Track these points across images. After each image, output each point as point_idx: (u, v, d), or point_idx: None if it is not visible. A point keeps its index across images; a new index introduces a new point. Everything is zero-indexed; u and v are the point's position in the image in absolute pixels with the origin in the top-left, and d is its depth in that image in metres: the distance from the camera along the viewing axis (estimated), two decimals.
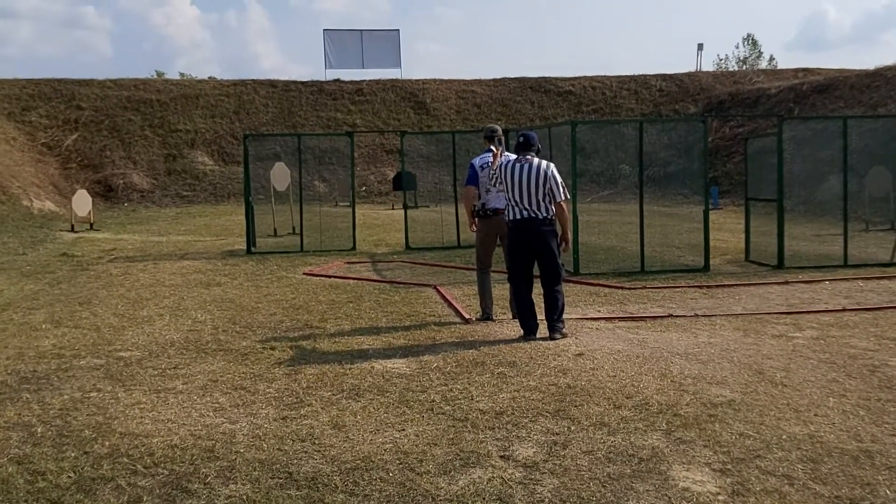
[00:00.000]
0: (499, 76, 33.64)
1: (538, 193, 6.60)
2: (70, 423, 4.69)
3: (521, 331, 6.80)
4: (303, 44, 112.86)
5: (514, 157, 6.85)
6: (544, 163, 6.72)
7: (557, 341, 6.50)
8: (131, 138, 28.18)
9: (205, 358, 6.18)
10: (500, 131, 7.68)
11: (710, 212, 11.12)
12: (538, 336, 6.66)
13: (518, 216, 6.71)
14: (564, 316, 6.82)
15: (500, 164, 6.84)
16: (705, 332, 6.80)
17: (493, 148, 7.42)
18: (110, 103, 29.27)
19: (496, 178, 6.88)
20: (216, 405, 4.96)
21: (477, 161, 7.48)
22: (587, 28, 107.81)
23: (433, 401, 4.94)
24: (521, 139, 6.87)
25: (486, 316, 7.56)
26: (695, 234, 11.32)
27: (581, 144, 12.24)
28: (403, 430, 4.43)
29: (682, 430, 4.34)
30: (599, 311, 7.87)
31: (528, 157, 6.74)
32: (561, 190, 6.66)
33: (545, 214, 6.64)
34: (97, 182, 25.85)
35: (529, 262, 6.84)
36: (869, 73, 24.46)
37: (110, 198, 25.40)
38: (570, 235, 6.81)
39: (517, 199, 6.67)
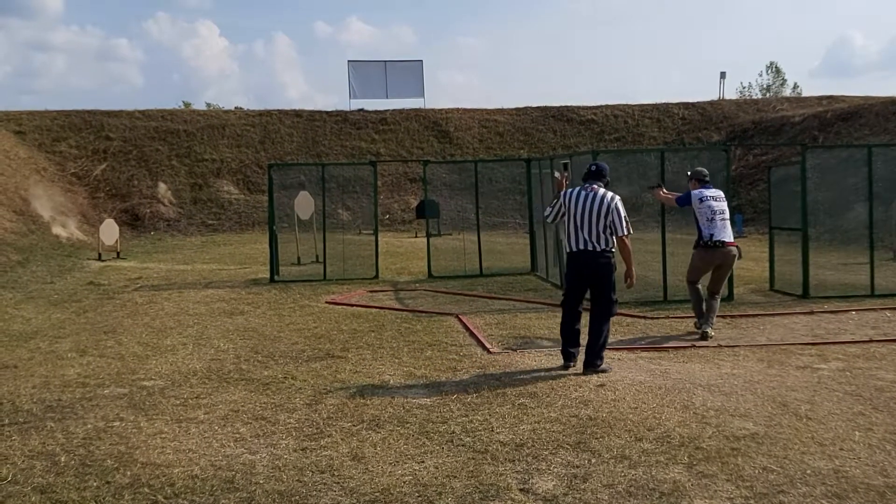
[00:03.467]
0: (521, 105, 33.82)
1: (598, 225, 6.51)
2: (93, 452, 4.73)
3: (561, 359, 6.72)
4: (328, 74, 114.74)
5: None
6: (609, 194, 6.61)
7: (578, 373, 6.45)
8: (158, 168, 28.64)
9: (226, 387, 6.22)
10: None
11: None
12: (572, 369, 6.57)
13: (575, 247, 6.63)
14: (583, 346, 6.75)
15: (564, 193, 6.81)
16: (728, 363, 6.73)
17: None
18: (138, 133, 29.80)
19: (558, 206, 6.82)
20: (237, 435, 4.99)
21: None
22: (609, 57, 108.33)
23: (453, 432, 4.93)
24: (593, 168, 6.81)
25: (702, 335, 7.84)
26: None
27: None
28: (423, 462, 4.42)
29: (704, 463, 4.29)
30: (621, 341, 7.81)
31: (594, 186, 6.67)
32: (623, 224, 6.52)
33: (603, 247, 6.52)
34: (124, 211, 26.24)
35: (581, 292, 6.76)
36: (895, 101, 24.25)
37: (137, 227, 25.76)
38: (633, 270, 6.66)
39: (577, 228, 6.59)
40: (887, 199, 13.49)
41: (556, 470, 4.25)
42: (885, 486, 3.93)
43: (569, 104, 33.63)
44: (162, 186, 27.26)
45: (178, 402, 5.84)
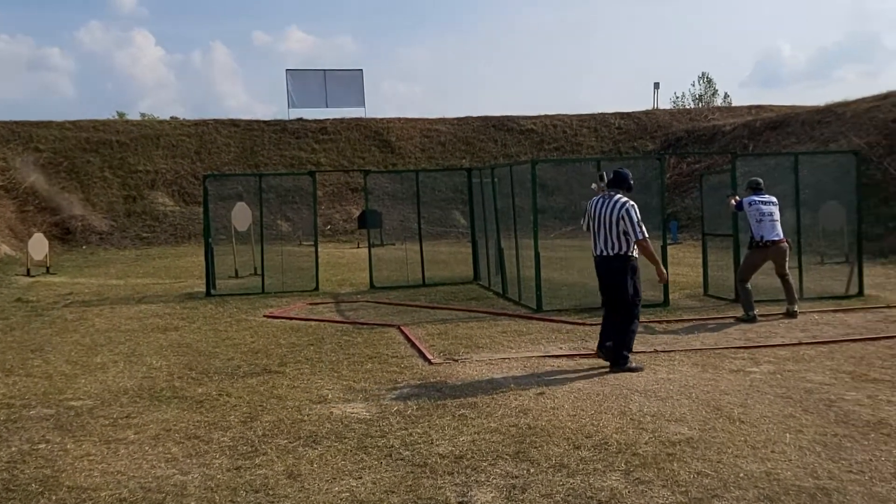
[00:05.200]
0: (463, 115, 34.03)
1: (612, 232, 6.80)
2: (17, 476, 4.53)
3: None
4: (268, 84, 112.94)
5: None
6: (622, 200, 6.84)
7: (519, 381, 6.47)
8: (90, 180, 27.83)
9: (158, 406, 6.04)
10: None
11: (670, 246, 11.26)
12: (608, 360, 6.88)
13: (596, 252, 7.00)
14: (524, 354, 6.81)
15: (590, 202, 7.13)
16: (664, 368, 6.83)
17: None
18: (69, 145, 28.94)
19: (586, 214, 7.15)
20: (168, 455, 4.84)
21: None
22: (549, 68, 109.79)
23: (392, 446, 4.87)
24: (612, 176, 7.09)
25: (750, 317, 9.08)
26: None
27: (543, 181, 12.35)
28: (361, 477, 4.35)
29: (640, 469, 4.33)
30: (561, 349, 7.87)
31: (612, 193, 6.95)
32: (636, 229, 6.74)
33: (615, 252, 6.80)
34: (55, 224, 25.41)
35: (607, 295, 7.04)
36: (820, 110, 25.15)
37: (68, 241, 24.96)
38: (662, 269, 7.06)
39: (596, 235, 6.94)
40: (814, 206, 13.95)
41: (495, 481, 4.23)
42: (816, 488, 4.03)
43: (509, 114, 33.99)
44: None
45: (107, 422, 5.64)
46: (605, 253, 6.87)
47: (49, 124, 29.84)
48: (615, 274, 6.85)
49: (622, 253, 6.81)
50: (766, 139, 25.58)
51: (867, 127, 21.10)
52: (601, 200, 6.97)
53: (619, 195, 6.92)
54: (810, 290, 10.99)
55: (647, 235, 6.81)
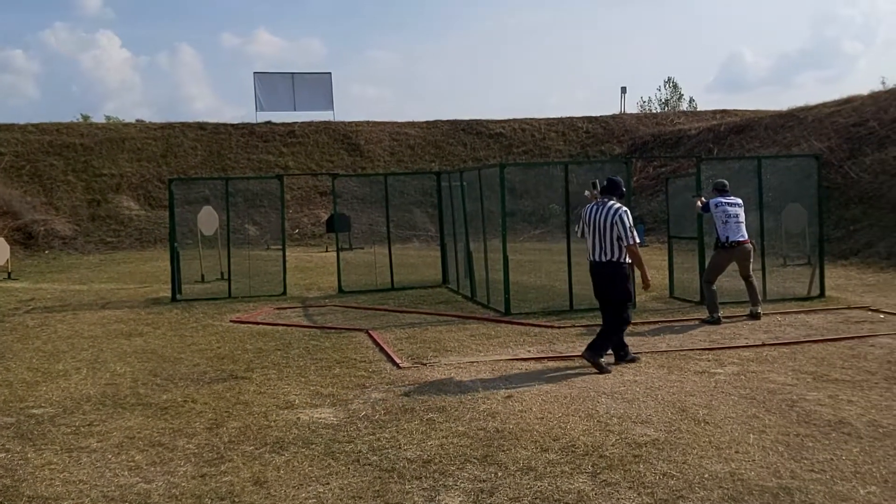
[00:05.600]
0: (432, 118, 34.03)
1: (606, 237, 6.99)
2: None
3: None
4: (236, 87, 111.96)
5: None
6: (616, 206, 7.02)
7: (487, 385, 6.49)
8: (53, 184, 27.35)
9: (122, 413, 5.94)
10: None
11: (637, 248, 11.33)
12: (629, 359, 7.17)
13: (589, 258, 7.23)
14: (492, 357, 6.82)
15: (585, 208, 7.33)
16: (631, 370, 6.89)
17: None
18: (31, 148, 28.42)
19: (581, 221, 7.35)
20: (132, 464, 4.76)
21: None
22: (517, 72, 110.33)
23: (360, 451, 4.85)
24: (605, 183, 7.27)
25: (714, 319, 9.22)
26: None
27: (512, 185, 12.39)
28: (328, 483, 4.32)
29: (607, 471, 4.36)
30: (529, 352, 7.90)
31: (605, 200, 7.13)
32: (628, 234, 6.92)
33: (608, 258, 6.99)
34: (16, 229, 24.90)
35: (601, 299, 7.23)
36: (783, 114, 25.59)
37: (31, 245, 24.49)
38: (647, 274, 7.15)
39: (591, 241, 7.13)
40: (777, 209, 14.18)
41: (462, 485, 4.23)
42: (779, 487, 4.09)
43: (478, 118, 34.07)
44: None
45: (69, 430, 5.54)
46: (599, 258, 7.07)
47: (11, 127, 29.28)
48: (608, 278, 7.04)
49: (615, 259, 6.99)
50: (730, 143, 25.96)
51: (828, 131, 21.52)
52: (596, 207, 7.15)
53: (612, 201, 7.09)
54: (773, 291, 11.16)
55: (637, 241, 7.03)
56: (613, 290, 7.04)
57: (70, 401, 6.38)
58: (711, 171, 13.21)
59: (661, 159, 27.55)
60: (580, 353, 7.18)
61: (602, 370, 6.81)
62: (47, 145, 28.71)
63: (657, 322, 9.54)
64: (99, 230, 26.24)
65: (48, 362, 8.06)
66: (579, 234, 7.54)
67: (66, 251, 24.56)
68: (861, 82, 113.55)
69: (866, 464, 4.39)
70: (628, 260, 7.03)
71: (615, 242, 6.96)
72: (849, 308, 10.11)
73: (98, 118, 41.82)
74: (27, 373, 7.54)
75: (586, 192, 7.88)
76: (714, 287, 9.49)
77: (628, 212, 7.02)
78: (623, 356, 7.21)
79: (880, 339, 7.97)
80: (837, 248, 16.07)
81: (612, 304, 7.09)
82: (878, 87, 26.13)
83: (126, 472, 4.61)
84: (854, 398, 5.75)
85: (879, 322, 8.99)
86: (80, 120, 38.16)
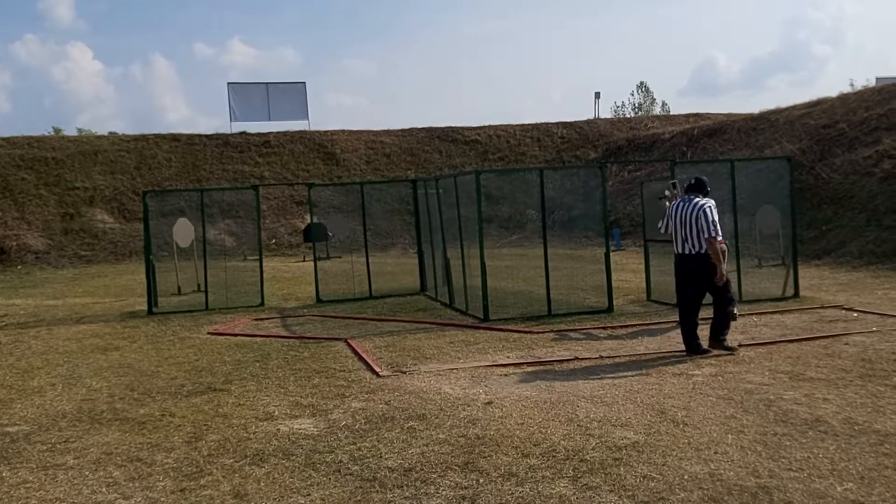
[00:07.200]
0: (407, 126, 34.07)
1: (692, 230, 7.44)
2: None
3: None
4: (210, 97, 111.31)
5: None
6: (702, 201, 7.50)
7: (467, 391, 6.49)
8: (25, 198, 27.00)
9: (99, 429, 5.87)
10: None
11: (613, 253, 11.45)
12: (698, 355, 7.43)
13: (678, 251, 7.64)
14: (472, 364, 6.83)
15: (670, 205, 7.87)
16: (610, 374, 6.93)
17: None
18: (2, 162, 28.05)
19: (666, 217, 7.89)
20: (110, 480, 4.70)
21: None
22: (492, 79, 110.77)
23: (341, 461, 4.83)
24: (693, 181, 7.77)
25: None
26: (599, 276, 11.59)
27: (489, 191, 12.44)
28: (309, 494, 4.30)
29: (588, 475, 4.37)
30: (508, 357, 7.91)
31: (691, 197, 7.61)
32: (708, 226, 7.35)
33: (696, 250, 7.46)
34: None
35: (689, 291, 7.62)
36: (755, 117, 25.92)
37: (3, 261, 24.14)
38: (721, 268, 7.39)
39: (679, 235, 7.57)
40: (751, 211, 14.35)
41: (444, 493, 4.23)
42: (758, 487, 4.12)
43: (454, 125, 34.15)
44: None
45: (44, 447, 5.46)
46: (690, 251, 7.49)
47: None
48: (701, 269, 7.43)
49: (703, 252, 7.41)
50: (703, 146, 26.23)
51: (799, 133, 21.83)
52: (682, 203, 7.63)
53: (698, 198, 7.56)
54: (748, 292, 11.28)
55: (717, 235, 7.38)
56: (711, 277, 7.39)
57: (45, 417, 6.29)
58: (685, 174, 13.34)
59: (635, 163, 27.79)
60: (556, 359, 7.21)
61: (730, 350, 7.40)
62: (18, 159, 28.35)
63: (635, 325, 9.60)
64: (73, 244, 25.94)
65: (22, 379, 7.94)
66: (663, 230, 8.10)
67: (39, 266, 24.24)
68: (831, 85, 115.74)
69: (843, 461, 4.45)
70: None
71: (701, 235, 7.39)
72: (823, 307, 10.24)
73: (70, 131, 41.49)
74: (0, 390, 7.42)
75: (666, 192, 8.36)
76: None
77: (713, 207, 7.45)
78: (693, 346, 7.54)
79: (854, 337, 8.08)
80: (811, 249, 16.29)
81: (716, 289, 7.45)
82: (847, 89, 26.58)
83: (104, 489, 4.55)
84: (830, 396, 5.83)
85: (853, 320, 9.12)
86: (52, 133, 37.78)
